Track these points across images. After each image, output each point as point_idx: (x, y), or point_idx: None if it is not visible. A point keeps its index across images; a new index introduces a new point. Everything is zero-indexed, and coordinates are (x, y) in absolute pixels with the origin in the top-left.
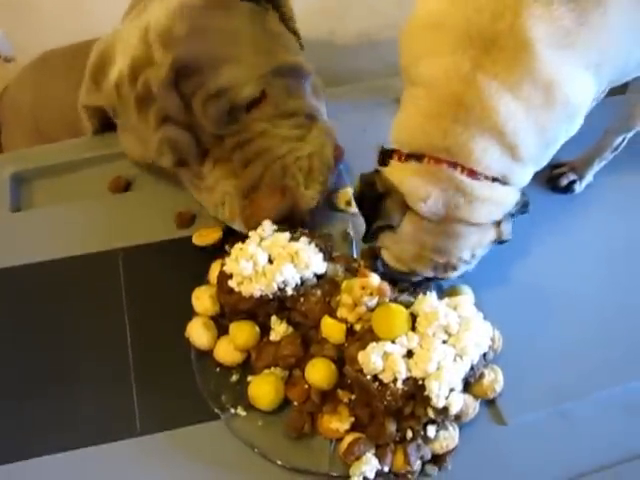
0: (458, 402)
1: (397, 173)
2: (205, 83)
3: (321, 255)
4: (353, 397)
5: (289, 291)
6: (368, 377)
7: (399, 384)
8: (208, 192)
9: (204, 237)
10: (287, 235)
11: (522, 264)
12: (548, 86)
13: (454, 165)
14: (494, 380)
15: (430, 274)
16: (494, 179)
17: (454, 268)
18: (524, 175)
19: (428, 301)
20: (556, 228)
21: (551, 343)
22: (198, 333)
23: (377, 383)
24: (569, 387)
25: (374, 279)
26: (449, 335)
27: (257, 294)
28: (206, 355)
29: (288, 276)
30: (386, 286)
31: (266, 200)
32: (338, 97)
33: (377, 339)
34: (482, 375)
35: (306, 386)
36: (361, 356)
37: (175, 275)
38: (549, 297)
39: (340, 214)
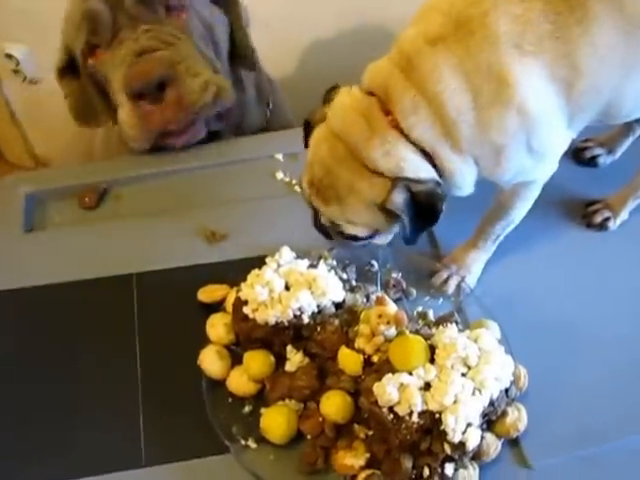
0: (475, 438)
1: (350, 91)
2: None
3: (340, 283)
4: (370, 433)
5: (305, 319)
6: (384, 410)
7: (415, 417)
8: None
9: (209, 294)
10: (306, 262)
11: (552, 301)
12: (503, 83)
13: (383, 105)
14: (517, 419)
15: (307, 192)
16: (422, 150)
17: (324, 197)
18: (460, 165)
19: (448, 332)
20: (589, 265)
21: (579, 383)
22: (211, 362)
23: (392, 416)
24: (597, 431)
25: (391, 307)
26: (468, 368)
27: (272, 321)
28: (218, 385)
29: (304, 303)
30: (403, 315)
31: (147, 64)
32: None
33: (394, 370)
34: (505, 413)
35: (320, 419)
36: (376, 387)
37: (189, 302)
38: (579, 336)
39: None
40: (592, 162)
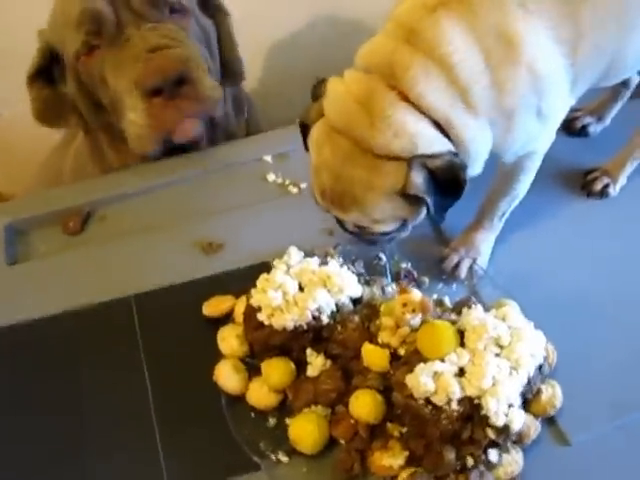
0: (519, 418)
1: (343, 80)
2: None
3: (355, 278)
4: (404, 430)
5: (324, 319)
6: (419, 402)
7: (454, 405)
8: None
9: (215, 307)
10: (316, 260)
11: (565, 273)
12: (511, 43)
13: (389, 81)
14: (552, 395)
15: (322, 202)
16: (433, 121)
17: (342, 205)
18: (476, 131)
19: (474, 314)
20: (595, 234)
21: (606, 353)
22: (227, 377)
23: (430, 407)
24: (631, 398)
25: (415, 294)
26: (501, 348)
27: (290, 325)
28: (238, 400)
29: (322, 302)
30: (429, 301)
31: (165, 59)
32: None
33: (424, 360)
34: (539, 391)
35: (352, 422)
36: (409, 379)
37: (194, 318)
38: (597, 305)
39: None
40: (583, 132)
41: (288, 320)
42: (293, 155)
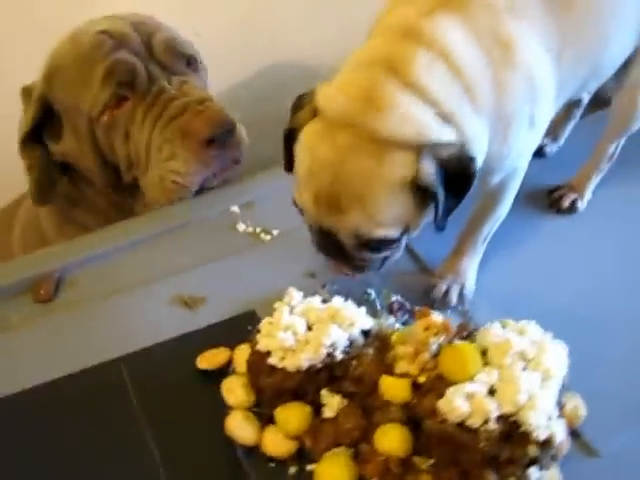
0: (561, 429)
1: (327, 84)
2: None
3: (364, 310)
4: (431, 462)
5: (338, 356)
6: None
7: (492, 425)
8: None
9: (210, 360)
10: (318, 298)
11: (552, 289)
12: (507, 45)
13: (389, 72)
14: (576, 406)
15: (314, 212)
16: (440, 113)
17: (339, 208)
18: (474, 125)
19: (493, 332)
20: (571, 248)
21: (613, 359)
22: (241, 428)
23: (466, 432)
24: None
25: (437, 316)
26: (526, 361)
27: (305, 365)
28: (253, 451)
29: (336, 337)
30: (449, 322)
31: (218, 111)
32: None
33: (450, 384)
34: (562, 404)
35: (381, 458)
36: (442, 405)
37: (188, 373)
38: (592, 315)
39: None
40: (540, 153)
41: (303, 360)
42: (260, 203)
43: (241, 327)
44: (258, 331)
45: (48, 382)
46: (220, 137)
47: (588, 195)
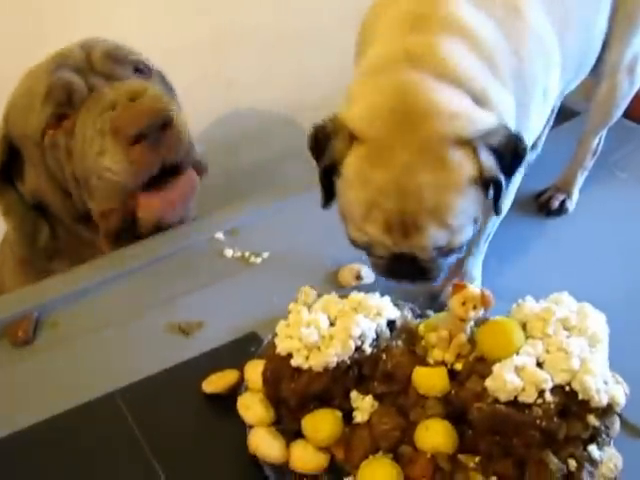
0: (620, 392)
1: (353, 103)
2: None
3: (388, 299)
4: (477, 459)
5: (367, 349)
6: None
7: (548, 396)
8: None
9: (216, 383)
10: (334, 294)
11: (555, 288)
12: (518, 9)
13: (414, 67)
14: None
15: (387, 240)
16: (471, 95)
17: (417, 227)
18: (504, 99)
19: (529, 305)
20: (570, 248)
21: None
22: (268, 445)
23: (521, 409)
24: None
25: (474, 289)
26: (569, 330)
27: (333, 362)
28: (283, 469)
29: (365, 327)
30: (489, 293)
31: (152, 101)
32: None
33: (493, 363)
34: None
35: (427, 457)
36: (491, 382)
37: (192, 400)
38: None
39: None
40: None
41: (331, 356)
42: (244, 229)
43: (244, 349)
44: (269, 342)
45: (37, 423)
46: (151, 133)
47: (576, 194)
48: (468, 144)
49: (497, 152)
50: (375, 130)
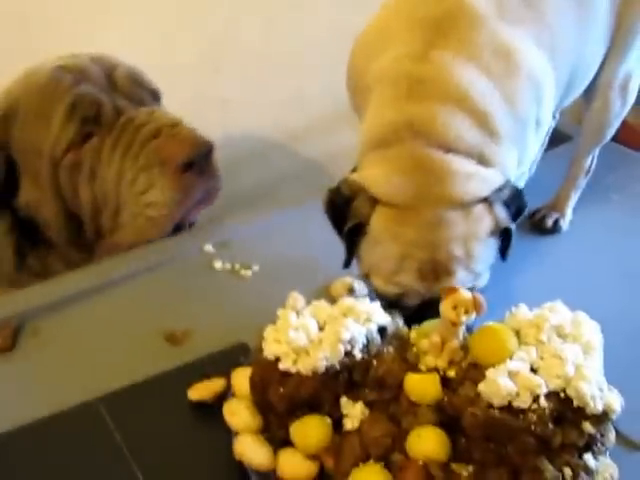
0: (616, 398)
1: (364, 170)
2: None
3: (378, 304)
4: (470, 468)
5: (357, 354)
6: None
7: (542, 401)
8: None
9: (201, 390)
10: (323, 301)
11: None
12: (508, 54)
13: (418, 140)
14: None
15: (420, 287)
16: (474, 159)
17: (448, 272)
18: (504, 154)
19: (522, 312)
20: (565, 266)
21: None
22: (253, 451)
23: (515, 415)
24: None
25: (465, 292)
26: (563, 337)
27: (322, 366)
28: (270, 476)
29: (355, 332)
30: (481, 297)
31: (194, 133)
32: None
33: (486, 369)
34: None
35: (419, 464)
36: (485, 387)
37: (178, 408)
38: None
39: None
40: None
41: (319, 359)
42: (234, 242)
43: (232, 359)
44: (257, 347)
45: (20, 427)
46: (199, 160)
47: (569, 213)
48: (485, 200)
49: (506, 204)
50: (398, 193)
